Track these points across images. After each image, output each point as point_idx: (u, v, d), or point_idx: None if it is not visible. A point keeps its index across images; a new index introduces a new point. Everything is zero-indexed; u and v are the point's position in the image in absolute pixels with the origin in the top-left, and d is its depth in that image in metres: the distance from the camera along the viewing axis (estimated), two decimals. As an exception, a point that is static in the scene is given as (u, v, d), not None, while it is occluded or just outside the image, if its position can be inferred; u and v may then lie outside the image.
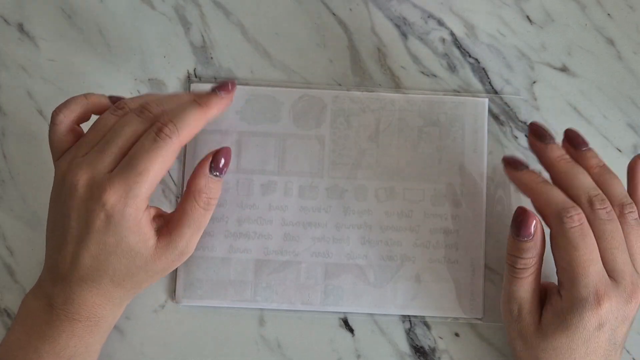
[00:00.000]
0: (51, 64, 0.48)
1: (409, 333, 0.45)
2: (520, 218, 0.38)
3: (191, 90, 0.47)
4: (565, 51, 0.49)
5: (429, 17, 0.49)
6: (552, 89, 0.48)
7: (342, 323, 0.45)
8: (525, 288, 0.39)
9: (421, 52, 0.49)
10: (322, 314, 0.45)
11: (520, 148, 0.47)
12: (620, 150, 0.47)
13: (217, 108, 0.39)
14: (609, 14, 0.49)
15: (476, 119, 0.47)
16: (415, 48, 0.49)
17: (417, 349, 0.45)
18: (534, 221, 0.38)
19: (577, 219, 0.37)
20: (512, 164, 0.41)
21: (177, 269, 0.44)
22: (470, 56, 0.49)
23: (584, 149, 0.41)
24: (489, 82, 0.48)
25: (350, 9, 0.49)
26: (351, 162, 0.46)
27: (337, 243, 0.45)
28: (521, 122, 0.47)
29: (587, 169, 0.40)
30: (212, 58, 0.48)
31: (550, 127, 0.47)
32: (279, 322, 0.45)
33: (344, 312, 0.45)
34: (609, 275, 0.37)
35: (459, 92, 0.48)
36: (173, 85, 0.48)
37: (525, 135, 0.47)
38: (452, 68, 0.48)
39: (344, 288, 0.45)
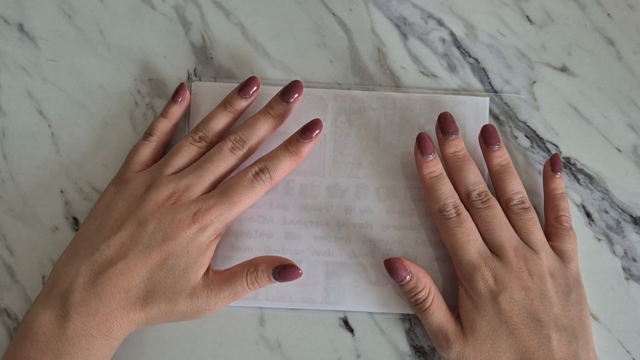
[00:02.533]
0: (51, 64, 0.48)
1: (409, 333, 0.45)
2: (390, 268, 0.42)
3: (192, 89, 0.47)
4: (565, 51, 0.49)
5: (429, 17, 0.49)
6: (552, 89, 0.48)
7: (342, 323, 0.45)
8: (437, 314, 0.42)
9: (421, 52, 0.49)
10: (322, 313, 0.45)
11: (520, 148, 0.47)
12: (620, 150, 0.47)
13: (305, 153, 0.43)
14: (609, 14, 0.49)
15: (477, 118, 0.47)
16: (415, 48, 0.49)
17: (417, 349, 0.44)
18: (402, 263, 0.41)
19: (453, 212, 0.42)
20: (420, 146, 0.43)
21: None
22: (470, 56, 0.49)
23: (494, 147, 0.44)
24: (489, 82, 0.48)
25: (350, 9, 0.49)
26: (352, 161, 0.46)
27: (339, 242, 0.45)
28: (521, 122, 0.47)
29: (489, 166, 0.44)
30: (212, 58, 0.48)
31: (550, 127, 0.47)
32: (279, 321, 0.45)
33: (345, 311, 0.45)
34: (493, 253, 0.42)
35: (458, 92, 0.48)
36: (173, 85, 0.48)
37: (525, 136, 0.47)
38: (452, 68, 0.48)
39: (345, 287, 0.45)
